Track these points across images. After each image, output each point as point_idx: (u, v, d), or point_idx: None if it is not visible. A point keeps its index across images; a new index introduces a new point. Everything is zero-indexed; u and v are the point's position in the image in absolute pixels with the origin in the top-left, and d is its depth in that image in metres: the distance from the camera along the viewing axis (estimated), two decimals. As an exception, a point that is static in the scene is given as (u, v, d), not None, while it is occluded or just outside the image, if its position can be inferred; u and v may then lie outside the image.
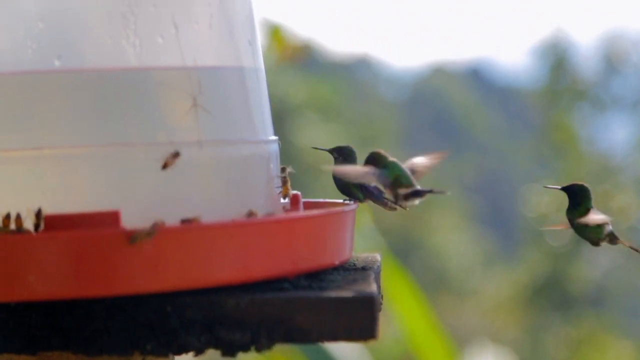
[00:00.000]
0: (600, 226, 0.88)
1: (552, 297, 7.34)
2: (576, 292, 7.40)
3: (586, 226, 0.88)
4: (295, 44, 3.11)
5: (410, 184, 0.93)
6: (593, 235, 0.89)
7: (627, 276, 7.85)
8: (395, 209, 0.97)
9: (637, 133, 8.43)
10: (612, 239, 0.90)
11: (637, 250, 0.92)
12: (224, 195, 0.88)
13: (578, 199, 0.89)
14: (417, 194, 0.94)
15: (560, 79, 8.18)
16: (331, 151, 0.98)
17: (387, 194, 0.95)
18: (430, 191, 0.94)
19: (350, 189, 0.96)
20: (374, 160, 0.95)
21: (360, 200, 0.97)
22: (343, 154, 0.97)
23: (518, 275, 7.55)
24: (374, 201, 0.97)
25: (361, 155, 0.99)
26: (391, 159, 0.95)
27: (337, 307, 0.79)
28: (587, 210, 0.88)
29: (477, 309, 8.08)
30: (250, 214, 0.87)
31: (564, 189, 0.90)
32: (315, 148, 1.00)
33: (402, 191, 0.93)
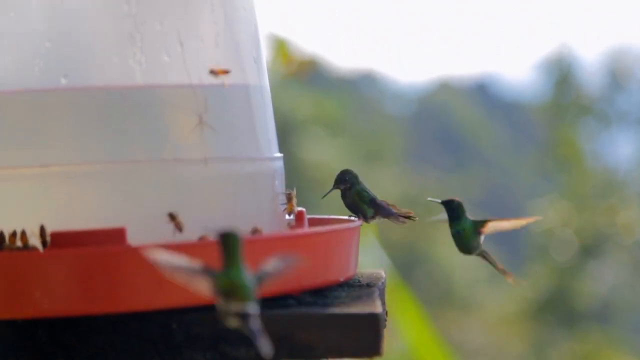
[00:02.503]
0: (476, 238, 0.94)
1: (557, 312, 7.32)
2: (581, 308, 7.38)
3: (463, 236, 0.94)
4: (301, 59, 3.11)
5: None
6: (470, 245, 0.95)
7: (633, 292, 7.83)
8: (405, 222, 0.97)
9: (642, 148, 8.42)
10: (484, 253, 0.97)
11: (503, 272, 1.00)
12: (229, 212, 0.88)
13: (458, 212, 0.94)
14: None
15: (565, 94, 8.18)
16: (337, 187, 0.97)
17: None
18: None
19: (359, 205, 0.96)
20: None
21: (369, 217, 0.97)
22: (347, 181, 0.97)
23: (523, 291, 7.53)
24: (384, 216, 0.97)
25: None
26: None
27: (341, 324, 0.79)
28: (480, 223, 0.95)
29: (482, 324, 8.06)
30: (255, 231, 0.88)
31: (443, 202, 0.96)
32: (324, 196, 1.00)
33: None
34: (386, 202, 0.97)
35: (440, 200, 0.97)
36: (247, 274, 0.70)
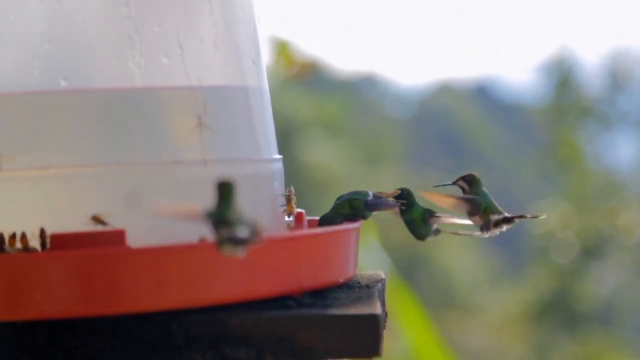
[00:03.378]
0: (425, 226, 0.98)
1: (558, 314, 7.31)
2: (583, 310, 7.37)
3: (415, 223, 0.98)
4: (302, 61, 3.11)
5: (500, 212, 0.99)
6: (423, 231, 0.99)
7: (634, 293, 7.83)
8: (399, 206, 0.97)
9: (643, 150, 8.42)
10: (437, 231, 1.00)
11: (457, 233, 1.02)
12: (228, 214, 0.88)
13: (410, 199, 0.98)
14: (507, 220, 0.99)
15: (566, 96, 8.18)
16: (398, 204, 0.96)
17: (475, 220, 0.98)
18: (521, 216, 0.99)
19: (349, 214, 0.95)
20: (471, 181, 0.99)
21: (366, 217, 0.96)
22: (406, 197, 0.97)
23: (525, 293, 7.53)
24: (379, 209, 0.97)
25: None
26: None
27: (341, 325, 0.80)
28: (428, 211, 0.98)
29: (483, 327, 8.05)
30: (255, 232, 0.88)
31: (398, 196, 0.99)
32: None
33: (494, 217, 0.99)
34: (379, 193, 0.97)
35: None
36: (237, 210, 0.78)
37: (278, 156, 0.96)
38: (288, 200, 0.93)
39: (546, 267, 7.42)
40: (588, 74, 8.31)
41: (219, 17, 0.91)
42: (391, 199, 0.96)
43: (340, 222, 0.93)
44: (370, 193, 0.95)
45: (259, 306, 0.82)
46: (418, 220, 0.98)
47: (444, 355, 2.56)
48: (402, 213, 0.98)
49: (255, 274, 0.82)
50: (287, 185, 0.96)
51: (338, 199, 0.95)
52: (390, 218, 1.00)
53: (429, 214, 0.99)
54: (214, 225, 0.77)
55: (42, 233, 0.82)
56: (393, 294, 2.42)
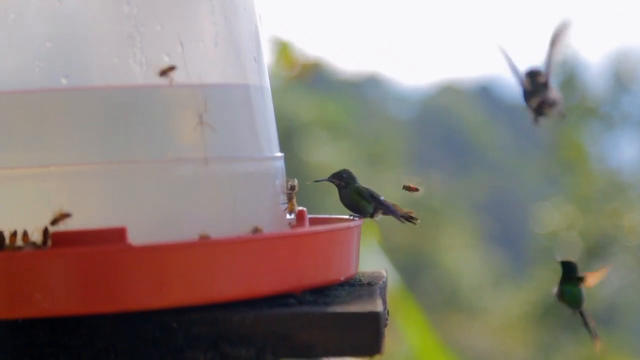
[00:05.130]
0: (367, 201, 0.99)
1: (562, 315, 7.31)
2: (587, 311, 7.35)
3: (352, 201, 0.98)
4: (304, 62, 3.12)
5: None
6: (365, 209, 0.99)
7: (638, 294, 7.82)
8: (404, 221, 0.97)
9: (647, 150, 8.41)
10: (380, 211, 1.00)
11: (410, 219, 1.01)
12: (229, 212, 0.88)
13: (349, 180, 0.99)
14: (550, 103, 1.03)
15: (570, 96, 8.17)
16: (331, 180, 0.98)
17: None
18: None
19: (358, 202, 0.97)
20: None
21: (369, 213, 0.97)
22: (343, 179, 0.97)
23: (528, 294, 7.53)
24: (384, 213, 0.97)
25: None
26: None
27: (342, 323, 0.79)
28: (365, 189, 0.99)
29: (487, 328, 8.05)
30: (256, 230, 0.88)
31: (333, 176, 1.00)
32: (316, 181, 1.01)
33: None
34: (387, 202, 0.97)
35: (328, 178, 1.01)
36: None
37: (279, 154, 0.96)
38: (289, 198, 0.93)
39: (550, 268, 7.42)
40: (592, 75, 8.31)
41: (220, 16, 0.91)
42: (399, 210, 0.97)
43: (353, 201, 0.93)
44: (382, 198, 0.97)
45: (260, 304, 0.82)
46: (355, 196, 0.98)
47: (447, 358, 2.56)
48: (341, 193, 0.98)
49: (256, 272, 0.82)
50: (289, 180, 0.95)
51: (334, 177, 0.97)
52: (390, 218, 1.00)
53: (363, 190, 0.98)
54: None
55: (44, 231, 0.82)
56: (395, 298, 2.42)
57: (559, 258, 1.06)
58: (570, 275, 1.05)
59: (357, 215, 0.97)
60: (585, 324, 1.08)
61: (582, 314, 1.06)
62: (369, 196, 0.96)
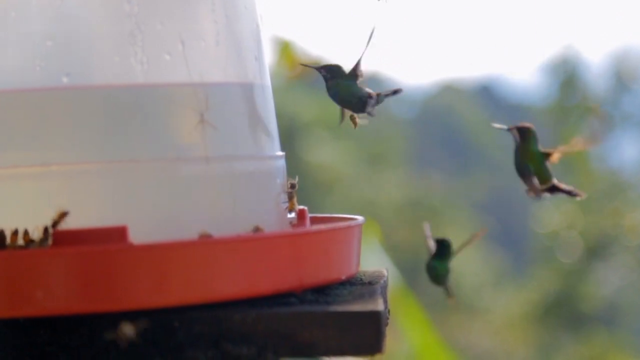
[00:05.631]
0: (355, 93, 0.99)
1: (563, 315, 7.31)
2: (588, 310, 7.37)
3: (339, 95, 0.98)
4: (305, 61, 3.11)
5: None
6: (351, 101, 0.99)
7: (639, 294, 7.82)
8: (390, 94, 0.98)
9: (647, 150, 8.41)
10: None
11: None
12: (230, 211, 0.88)
13: (335, 73, 0.98)
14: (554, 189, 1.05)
15: (570, 96, 8.18)
16: (319, 69, 0.98)
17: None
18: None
19: (349, 98, 0.97)
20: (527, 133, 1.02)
21: (360, 108, 0.96)
22: (331, 72, 0.98)
23: (529, 293, 7.53)
24: (379, 101, 0.98)
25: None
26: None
27: (343, 322, 0.79)
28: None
29: (488, 327, 8.05)
30: (257, 230, 0.88)
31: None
32: (304, 65, 1.02)
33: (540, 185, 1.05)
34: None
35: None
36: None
37: (281, 153, 0.96)
38: (290, 196, 0.93)
39: (551, 268, 7.42)
40: (593, 74, 8.31)
41: (221, 14, 0.91)
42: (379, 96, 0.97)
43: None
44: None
45: (261, 303, 0.81)
46: (343, 88, 0.98)
47: (448, 357, 2.56)
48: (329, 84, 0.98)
49: (257, 270, 0.82)
50: (289, 179, 0.96)
51: (321, 68, 0.97)
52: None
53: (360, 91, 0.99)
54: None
55: (44, 230, 0.82)
56: (396, 297, 2.42)
57: (436, 237, 1.10)
58: (442, 252, 1.09)
59: (347, 107, 0.98)
60: (447, 294, 1.15)
61: (446, 289, 1.12)
62: (360, 96, 0.97)
